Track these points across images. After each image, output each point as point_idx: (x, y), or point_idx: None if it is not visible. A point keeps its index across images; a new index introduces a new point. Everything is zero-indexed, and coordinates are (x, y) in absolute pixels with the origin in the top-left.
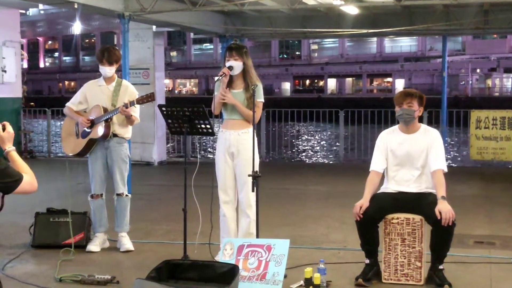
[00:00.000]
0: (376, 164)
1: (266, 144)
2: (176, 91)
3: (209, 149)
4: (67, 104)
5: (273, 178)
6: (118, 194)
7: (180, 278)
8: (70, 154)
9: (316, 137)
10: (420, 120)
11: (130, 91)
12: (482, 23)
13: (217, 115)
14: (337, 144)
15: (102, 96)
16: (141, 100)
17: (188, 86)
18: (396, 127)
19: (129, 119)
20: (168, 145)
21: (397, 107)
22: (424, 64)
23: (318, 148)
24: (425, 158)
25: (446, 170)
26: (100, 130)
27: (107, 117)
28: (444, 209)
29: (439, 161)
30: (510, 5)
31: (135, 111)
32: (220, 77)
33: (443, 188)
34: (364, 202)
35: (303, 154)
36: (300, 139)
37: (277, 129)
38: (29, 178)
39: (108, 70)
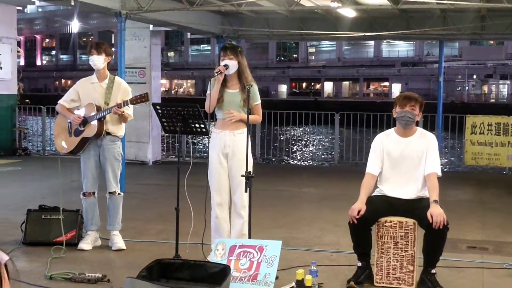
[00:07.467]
0: (372, 166)
1: (261, 145)
2: (173, 92)
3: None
4: (60, 101)
5: (267, 180)
6: (110, 193)
7: (171, 277)
8: (63, 152)
9: (311, 139)
10: (416, 124)
11: (123, 88)
12: (479, 28)
13: (211, 114)
14: (332, 146)
15: (95, 94)
16: (134, 100)
17: (185, 87)
18: (392, 130)
19: (122, 117)
20: (163, 145)
21: (399, 108)
22: (421, 69)
23: (313, 150)
24: (420, 162)
25: (440, 174)
26: (93, 129)
27: (100, 115)
28: (436, 213)
29: (434, 165)
30: (506, 11)
31: (128, 109)
32: (217, 74)
33: (436, 192)
34: (361, 205)
35: (298, 156)
36: (295, 142)
37: (272, 131)
38: None
39: (96, 58)
